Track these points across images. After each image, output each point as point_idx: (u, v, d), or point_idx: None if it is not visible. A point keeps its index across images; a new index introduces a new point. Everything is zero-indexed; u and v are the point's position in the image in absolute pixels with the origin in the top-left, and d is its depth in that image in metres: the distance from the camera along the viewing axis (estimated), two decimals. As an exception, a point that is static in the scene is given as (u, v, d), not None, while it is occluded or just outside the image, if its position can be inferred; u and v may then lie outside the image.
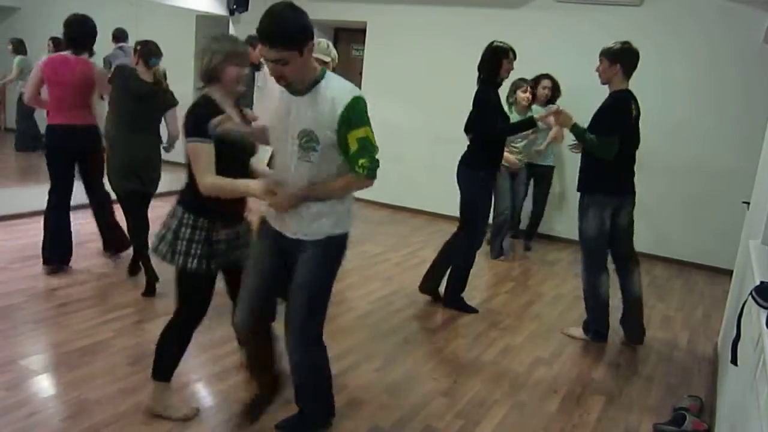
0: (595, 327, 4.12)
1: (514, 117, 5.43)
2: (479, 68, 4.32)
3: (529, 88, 5.69)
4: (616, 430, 3.09)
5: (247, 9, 7.69)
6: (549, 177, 6.31)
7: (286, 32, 2.13)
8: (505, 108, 5.58)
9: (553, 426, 3.07)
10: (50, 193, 4.37)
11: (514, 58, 4.26)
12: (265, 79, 5.15)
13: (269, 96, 2.49)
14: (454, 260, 4.49)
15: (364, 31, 7.77)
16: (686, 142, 6.16)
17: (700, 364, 4.00)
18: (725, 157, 6.03)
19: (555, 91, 6.07)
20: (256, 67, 5.45)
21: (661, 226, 6.33)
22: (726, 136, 6.02)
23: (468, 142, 4.40)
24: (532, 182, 6.28)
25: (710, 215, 6.16)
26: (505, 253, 5.95)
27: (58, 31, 4.43)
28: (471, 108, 4.34)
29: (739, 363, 2.34)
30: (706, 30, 6.00)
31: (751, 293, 2.17)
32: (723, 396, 3.08)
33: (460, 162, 4.41)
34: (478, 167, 4.31)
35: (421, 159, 7.55)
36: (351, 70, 7.78)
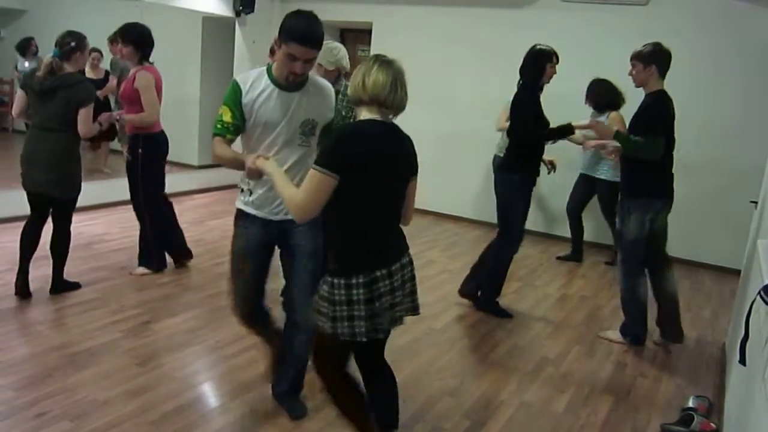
0: (634, 331, 4.10)
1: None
2: (521, 72, 4.25)
3: None
4: (624, 431, 3.09)
5: (253, 10, 7.70)
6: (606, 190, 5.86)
7: (322, 36, 2.49)
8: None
9: (560, 426, 3.06)
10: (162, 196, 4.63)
11: (557, 62, 4.22)
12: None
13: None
14: (489, 264, 4.48)
15: (369, 32, 7.78)
16: (693, 141, 6.12)
17: (707, 364, 3.98)
18: (733, 156, 6.00)
19: None
20: None
21: (668, 225, 6.30)
22: (734, 135, 5.99)
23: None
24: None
25: (718, 215, 6.13)
26: None
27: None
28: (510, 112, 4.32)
29: (747, 363, 2.33)
30: (711, 29, 5.97)
31: (759, 293, 2.16)
32: (731, 396, 3.07)
33: (498, 166, 4.47)
34: (513, 170, 4.28)
35: (426, 159, 7.46)
36: (357, 70, 7.77)
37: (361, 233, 2.17)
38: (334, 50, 4.05)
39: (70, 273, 4.38)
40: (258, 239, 2.68)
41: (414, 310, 2.33)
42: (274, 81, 2.56)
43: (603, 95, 5.47)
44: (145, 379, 3.12)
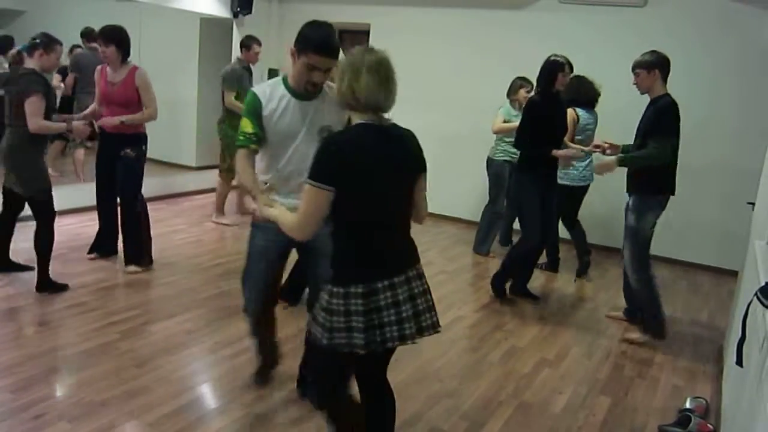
0: (655, 325, 4.15)
1: (509, 112, 5.65)
2: (537, 79, 4.51)
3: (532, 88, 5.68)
4: (622, 432, 3.10)
5: (251, 12, 7.70)
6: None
7: (339, 45, 2.53)
8: (507, 103, 5.66)
9: (558, 427, 3.07)
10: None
11: (570, 71, 4.43)
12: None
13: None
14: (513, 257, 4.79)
15: (367, 33, 7.77)
16: (690, 143, 6.09)
17: (705, 365, 3.99)
18: (730, 157, 6.01)
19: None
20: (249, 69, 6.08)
21: (665, 227, 6.31)
22: (730, 136, 6.00)
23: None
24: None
25: (715, 216, 6.14)
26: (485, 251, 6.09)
27: (65, 34, 4.47)
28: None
29: (744, 364, 2.34)
30: (708, 30, 5.98)
31: (756, 294, 2.17)
32: (728, 397, 3.08)
33: (515, 168, 4.75)
34: (524, 171, 4.54)
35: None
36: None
37: (359, 242, 2.07)
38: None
39: (67, 273, 4.40)
40: (278, 244, 2.66)
41: (431, 328, 2.17)
42: (291, 91, 2.59)
43: (578, 92, 5.45)
44: (143, 380, 3.12)
